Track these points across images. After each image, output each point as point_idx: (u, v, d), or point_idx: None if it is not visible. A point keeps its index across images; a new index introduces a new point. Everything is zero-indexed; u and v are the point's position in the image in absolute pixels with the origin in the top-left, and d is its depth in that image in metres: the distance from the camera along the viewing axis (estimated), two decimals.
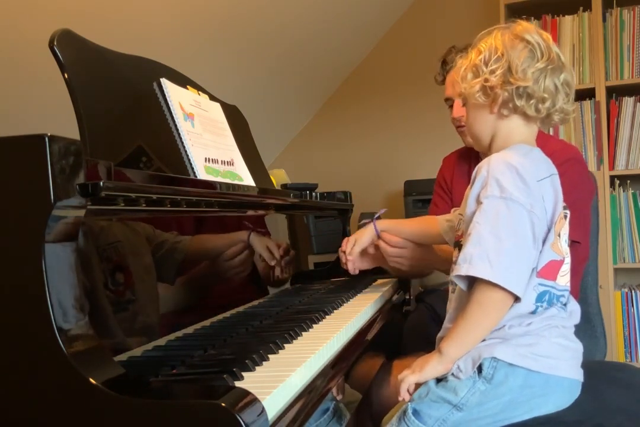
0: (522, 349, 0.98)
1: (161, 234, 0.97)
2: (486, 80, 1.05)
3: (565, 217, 1.07)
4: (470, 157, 1.74)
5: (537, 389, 0.98)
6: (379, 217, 1.47)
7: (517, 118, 1.07)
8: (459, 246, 1.05)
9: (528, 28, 1.08)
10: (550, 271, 1.01)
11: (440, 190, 1.80)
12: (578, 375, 1.01)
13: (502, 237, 0.95)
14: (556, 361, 0.99)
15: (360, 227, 1.49)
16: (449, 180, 1.78)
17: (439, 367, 0.99)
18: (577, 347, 1.03)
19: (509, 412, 0.99)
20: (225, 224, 1.23)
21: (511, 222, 0.96)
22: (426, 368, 0.99)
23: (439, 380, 1.04)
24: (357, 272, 1.47)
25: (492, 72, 1.05)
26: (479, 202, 1.00)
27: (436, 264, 1.50)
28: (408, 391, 1.01)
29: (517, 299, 0.95)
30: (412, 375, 1.00)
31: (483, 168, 1.02)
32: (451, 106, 1.70)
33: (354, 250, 1.43)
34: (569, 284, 1.05)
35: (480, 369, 0.98)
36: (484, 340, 0.99)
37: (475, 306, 0.96)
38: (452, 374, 1.00)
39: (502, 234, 0.95)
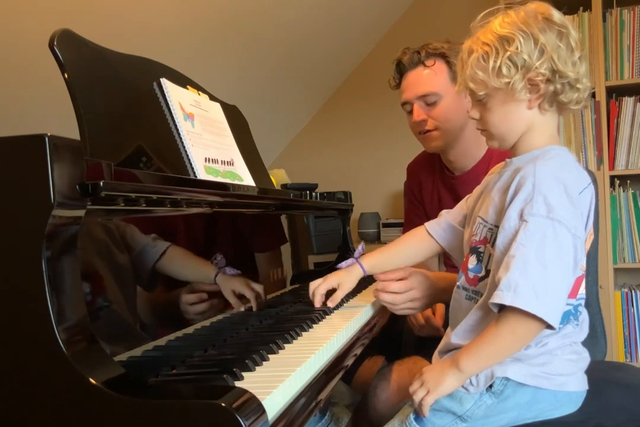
0: (535, 369, 0.96)
1: (160, 233, 0.97)
2: (531, 73, 0.94)
3: (591, 234, 1.03)
4: (434, 167, 1.72)
5: (546, 404, 0.97)
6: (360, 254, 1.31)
7: (553, 111, 1.00)
8: (477, 252, 1.01)
9: (550, 7, 0.99)
10: (575, 289, 0.97)
11: (411, 204, 1.77)
12: (585, 385, 1.01)
13: (547, 265, 0.88)
14: (567, 377, 0.98)
15: (337, 268, 1.29)
16: (417, 191, 1.75)
17: (455, 383, 0.94)
18: (585, 357, 1.02)
19: (515, 424, 0.99)
20: (226, 224, 1.23)
21: (557, 248, 0.90)
22: (443, 385, 0.94)
23: None
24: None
25: (538, 64, 0.94)
26: (522, 219, 0.92)
27: (448, 288, 1.42)
28: (422, 406, 0.95)
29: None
30: (428, 396, 0.94)
31: (528, 180, 0.94)
32: (410, 111, 1.58)
33: (338, 295, 1.25)
34: (584, 292, 1.02)
35: (490, 385, 0.97)
36: None
37: (508, 333, 0.90)
38: (462, 386, 0.98)
39: (548, 261, 0.89)
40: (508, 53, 0.95)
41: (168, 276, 0.98)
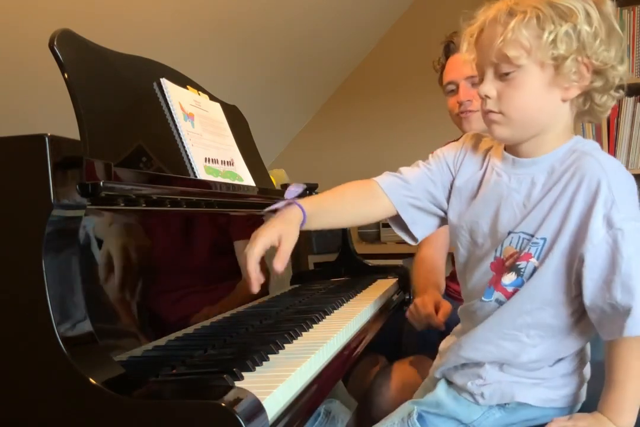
0: (553, 393, 0.94)
1: (160, 234, 0.97)
2: (588, 56, 0.82)
3: None
4: None
5: (553, 415, 0.95)
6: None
7: (576, 109, 0.89)
8: (517, 270, 0.90)
9: None
10: None
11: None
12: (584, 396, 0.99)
13: None
14: (579, 396, 0.97)
15: (264, 213, 0.98)
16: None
17: None
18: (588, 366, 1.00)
19: None
20: (225, 223, 1.23)
21: None
22: None
23: (449, 385, 1.01)
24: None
25: (601, 47, 0.82)
26: (615, 227, 0.81)
27: None
28: None
29: None
30: None
31: (601, 180, 0.82)
32: (453, 90, 1.59)
33: (284, 249, 0.86)
34: None
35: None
36: (514, 374, 0.94)
37: (636, 360, 0.84)
38: (470, 393, 0.97)
39: None
40: (569, 24, 0.81)
41: (170, 275, 0.98)
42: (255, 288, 0.84)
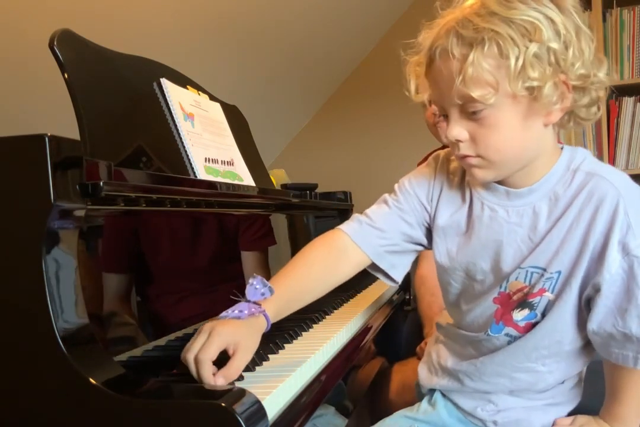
0: (563, 409, 0.93)
1: (160, 234, 0.97)
2: (563, 74, 0.71)
3: None
4: None
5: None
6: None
7: (558, 128, 0.80)
8: (529, 306, 0.84)
9: None
10: None
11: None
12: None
13: None
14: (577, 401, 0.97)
15: (220, 317, 0.77)
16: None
17: None
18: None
19: None
20: (225, 223, 1.23)
21: None
22: None
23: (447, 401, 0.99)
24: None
25: (574, 62, 0.71)
26: (631, 253, 0.76)
27: None
28: None
29: None
30: None
31: (619, 205, 0.75)
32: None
33: (236, 366, 0.72)
34: None
35: None
36: (527, 398, 0.92)
37: (638, 376, 0.84)
38: (479, 419, 0.93)
39: None
40: (533, 47, 0.69)
41: (170, 275, 0.98)
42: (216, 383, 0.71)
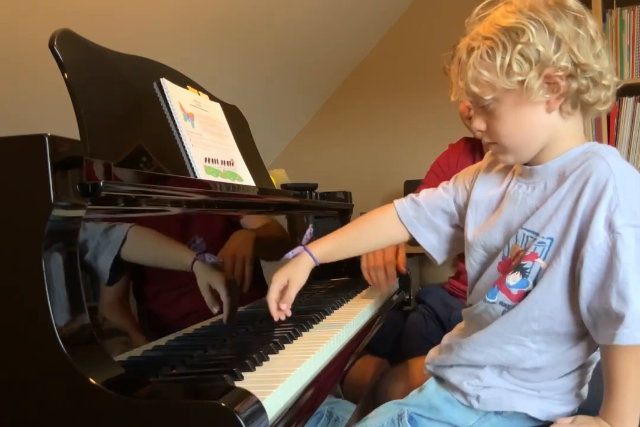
0: (557, 408, 0.94)
1: (160, 234, 0.97)
2: (549, 68, 0.81)
3: None
4: (475, 149, 1.70)
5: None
6: (308, 241, 1.17)
7: (577, 115, 0.87)
8: (522, 269, 0.89)
9: None
10: None
11: (434, 176, 1.69)
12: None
13: None
14: (578, 406, 0.97)
15: (284, 260, 1.10)
16: (453, 166, 1.68)
17: None
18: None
19: None
20: (225, 223, 1.23)
21: None
22: None
23: (439, 384, 1.01)
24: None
25: (557, 56, 0.81)
26: (615, 231, 0.80)
27: None
28: None
29: None
30: None
31: (609, 183, 0.81)
32: None
33: (289, 295, 1.05)
34: None
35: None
36: (514, 383, 0.93)
37: (634, 367, 0.83)
38: (464, 393, 0.95)
39: None
40: (519, 46, 0.81)
41: (170, 275, 0.98)
42: (276, 319, 1.05)
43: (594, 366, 0.98)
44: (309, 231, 1.22)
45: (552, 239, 0.87)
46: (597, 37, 0.84)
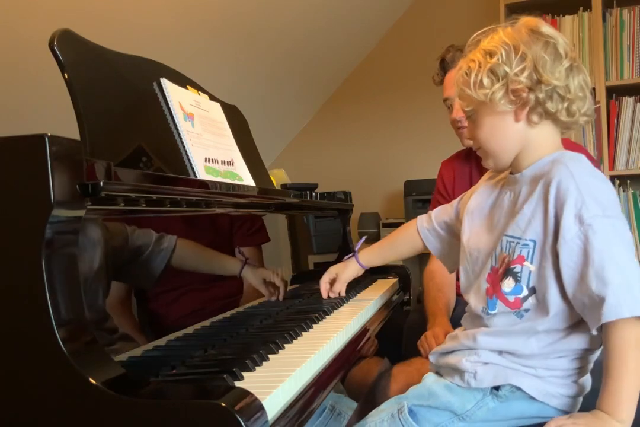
0: (553, 389, 0.95)
1: (160, 234, 0.97)
2: (513, 82, 0.93)
3: None
4: (470, 159, 1.72)
5: (550, 417, 0.94)
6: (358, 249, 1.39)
7: (547, 124, 0.97)
8: (513, 273, 0.95)
9: (539, 21, 0.97)
10: None
11: (440, 197, 1.75)
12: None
13: (632, 261, 0.86)
14: (577, 402, 0.97)
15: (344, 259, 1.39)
16: (449, 184, 1.74)
17: None
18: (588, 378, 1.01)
19: None
20: (225, 223, 1.23)
21: (628, 243, 0.88)
22: None
23: (439, 376, 1.03)
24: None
25: (519, 73, 0.93)
26: (585, 223, 0.87)
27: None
28: None
29: None
30: None
31: (569, 183, 0.89)
32: (450, 107, 1.68)
33: (336, 288, 1.37)
34: None
35: (497, 388, 0.96)
36: (511, 361, 0.96)
37: (632, 350, 0.84)
38: (462, 371, 0.98)
39: (630, 257, 0.87)
40: (489, 65, 0.95)
41: (170, 275, 0.98)
42: (325, 296, 1.37)
43: (596, 355, 0.98)
44: (363, 239, 1.47)
45: (534, 241, 0.93)
46: (565, 56, 0.94)
